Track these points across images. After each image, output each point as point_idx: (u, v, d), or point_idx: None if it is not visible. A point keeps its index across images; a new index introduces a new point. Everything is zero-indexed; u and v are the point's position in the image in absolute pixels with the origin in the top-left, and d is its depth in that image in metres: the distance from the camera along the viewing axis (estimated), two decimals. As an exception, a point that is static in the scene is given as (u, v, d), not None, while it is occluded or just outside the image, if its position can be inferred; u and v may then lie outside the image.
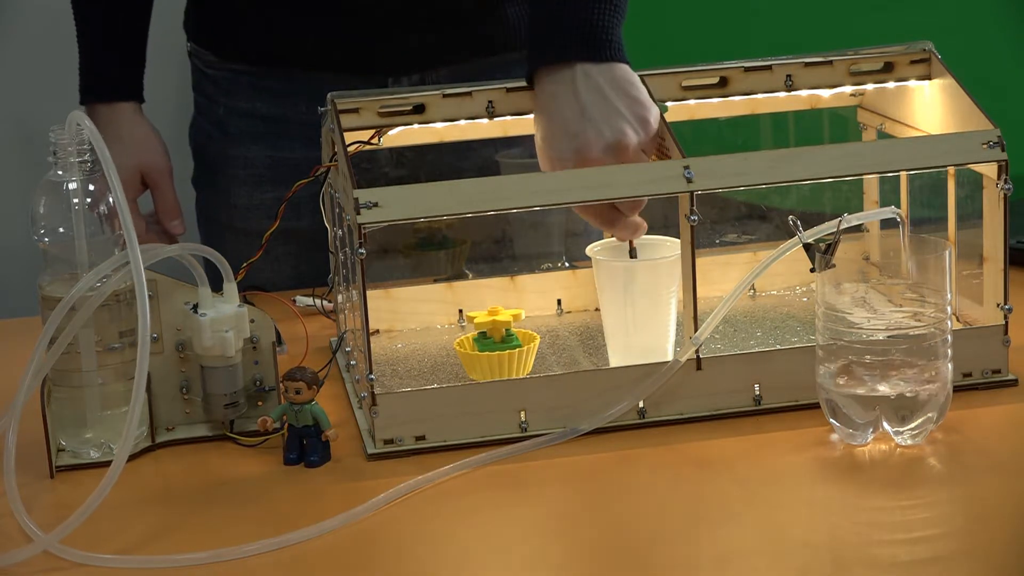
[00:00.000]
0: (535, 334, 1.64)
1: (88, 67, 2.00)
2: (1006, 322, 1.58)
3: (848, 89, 1.73)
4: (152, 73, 2.04)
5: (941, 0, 2.69)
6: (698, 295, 1.53)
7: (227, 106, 2.04)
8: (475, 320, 1.64)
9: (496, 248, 1.99)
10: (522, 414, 1.51)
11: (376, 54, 1.98)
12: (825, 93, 1.73)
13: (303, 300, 1.84)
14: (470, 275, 1.93)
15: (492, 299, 1.75)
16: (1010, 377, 1.58)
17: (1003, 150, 1.55)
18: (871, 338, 1.44)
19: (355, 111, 1.62)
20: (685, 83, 1.66)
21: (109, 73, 1.99)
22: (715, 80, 1.67)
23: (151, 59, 2.02)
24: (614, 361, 1.63)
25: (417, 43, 1.97)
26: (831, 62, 1.68)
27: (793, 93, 1.68)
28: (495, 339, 1.62)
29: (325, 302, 1.81)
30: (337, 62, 1.98)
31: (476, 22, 1.99)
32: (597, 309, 1.73)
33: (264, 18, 1.99)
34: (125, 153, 1.95)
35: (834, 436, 1.48)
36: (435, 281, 1.86)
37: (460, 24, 1.99)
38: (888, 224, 1.63)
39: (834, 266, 1.45)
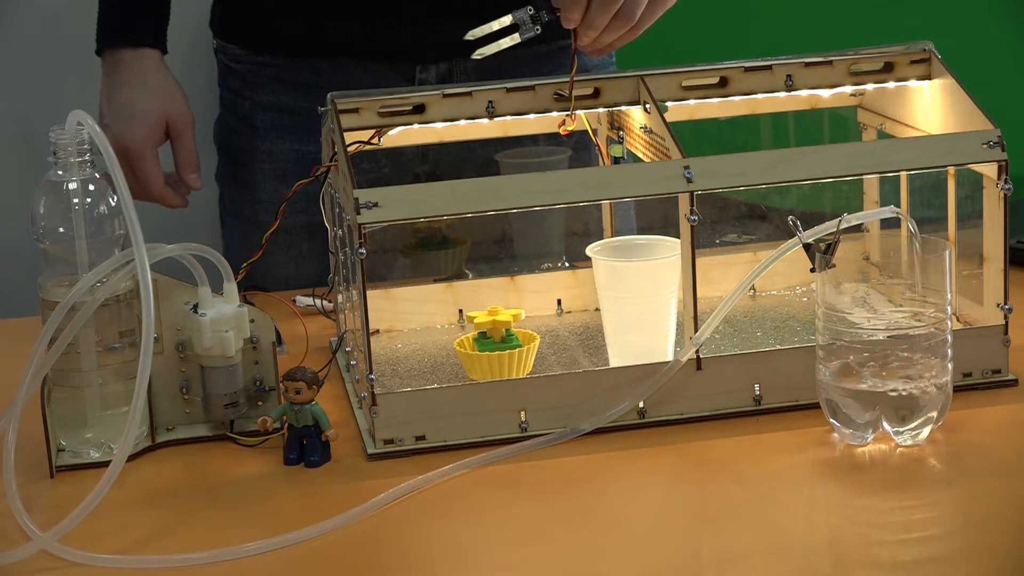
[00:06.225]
0: (535, 334, 1.64)
1: (114, 10, 1.97)
2: (1006, 322, 1.58)
3: (848, 89, 1.72)
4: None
5: (941, 0, 2.69)
6: (698, 295, 1.53)
7: (253, 100, 2.04)
8: (475, 320, 1.64)
9: (496, 248, 1.99)
10: (522, 414, 1.51)
11: (404, 43, 1.97)
12: (825, 93, 1.73)
13: (303, 300, 1.84)
14: (470, 275, 1.93)
15: (492, 299, 1.75)
16: (1010, 377, 1.58)
17: (1003, 150, 1.55)
18: (871, 338, 1.44)
19: (355, 111, 1.62)
20: (685, 83, 1.66)
21: (136, 18, 1.97)
22: (715, 80, 1.67)
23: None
24: (614, 361, 1.63)
25: (445, 31, 1.97)
26: (831, 62, 1.68)
27: (793, 93, 1.68)
28: (495, 339, 1.62)
29: (325, 302, 1.81)
30: (364, 51, 1.98)
31: (504, 11, 1.98)
32: (597, 309, 1.73)
33: (291, 7, 1.99)
34: (151, 99, 1.94)
35: (834, 436, 1.48)
36: (435, 281, 1.86)
37: (488, 13, 1.98)
38: (888, 224, 1.64)
39: (834, 266, 1.45)
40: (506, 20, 1.68)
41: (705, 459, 1.46)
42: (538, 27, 1.68)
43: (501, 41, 1.67)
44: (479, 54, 1.67)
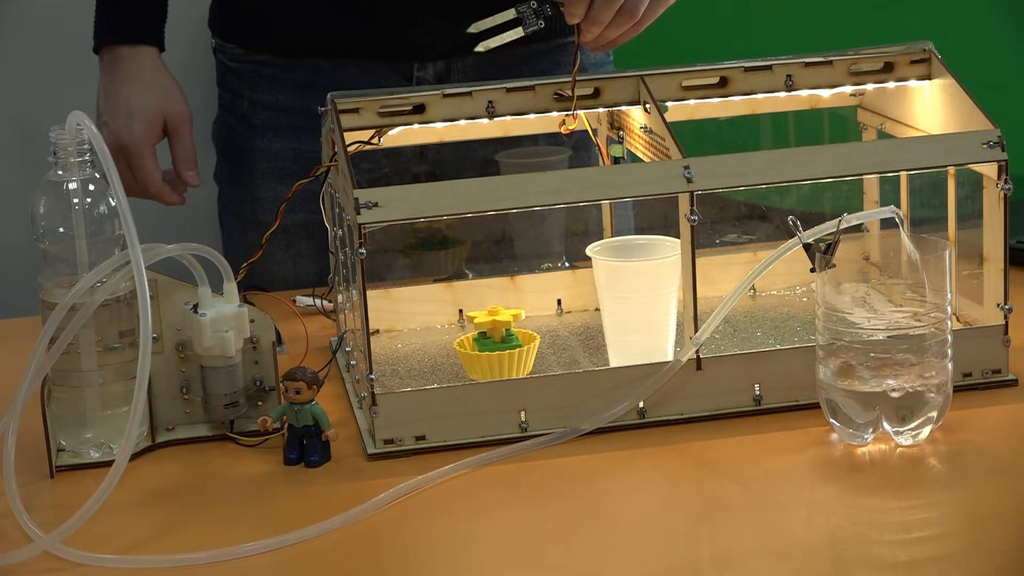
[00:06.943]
0: (535, 334, 1.64)
1: (111, 8, 1.97)
2: (1006, 322, 1.58)
3: (848, 89, 1.72)
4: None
5: (941, 0, 2.69)
6: (698, 295, 1.53)
7: (251, 99, 2.05)
8: (475, 320, 1.64)
9: (496, 248, 2.00)
10: (522, 414, 1.51)
11: (402, 42, 1.97)
12: (825, 93, 1.73)
13: (303, 300, 1.84)
14: (470, 275, 1.93)
15: (492, 299, 1.75)
16: (1010, 377, 1.58)
17: (1003, 150, 1.55)
18: (871, 338, 1.44)
19: (355, 111, 1.62)
20: (685, 83, 1.66)
21: (134, 15, 1.97)
22: (715, 80, 1.67)
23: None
24: (614, 361, 1.63)
25: (443, 30, 1.97)
26: (831, 62, 1.68)
27: (793, 93, 1.68)
28: (495, 339, 1.62)
29: (325, 302, 1.81)
30: (363, 50, 1.98)
31: (505, 8, 1.98)
32: (597, 309, 1.73)
33: (290, 6, 1.99)
34: (148, 96, 1.94)
35: (834, 436, 1.48)
36: (435, 281, 1.86)
37: (487, 12, 1.98)
38: (888, 224, 1.64)
39: (834, 266, 1.45)
40: (509, 14, 1.68)
41: (705, 459, 1.46)
42: (541, 21, 1.68)
43: (504, 35, 1.68)
44: (482, 47, 1.67)
